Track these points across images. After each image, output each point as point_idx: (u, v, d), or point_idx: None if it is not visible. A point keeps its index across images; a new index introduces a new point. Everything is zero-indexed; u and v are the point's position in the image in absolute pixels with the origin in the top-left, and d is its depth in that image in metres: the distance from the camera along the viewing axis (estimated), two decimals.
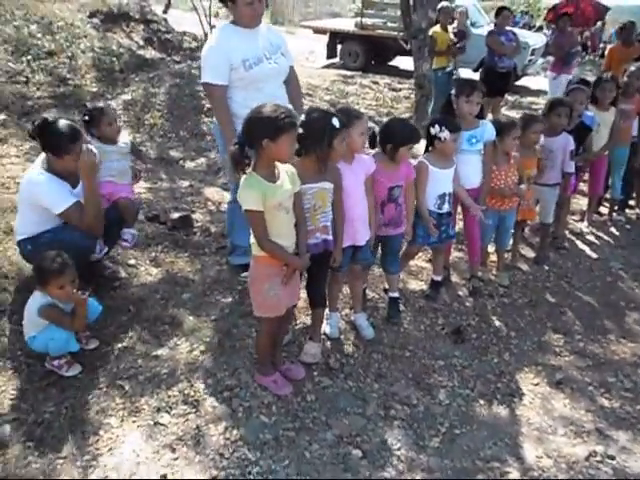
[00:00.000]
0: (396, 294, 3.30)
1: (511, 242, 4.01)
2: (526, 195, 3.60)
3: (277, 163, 2.30)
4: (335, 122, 2.40)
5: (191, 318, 3.16)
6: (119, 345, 2.89)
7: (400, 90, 9.76)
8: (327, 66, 12.89)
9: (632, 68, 4.75)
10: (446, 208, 3.25)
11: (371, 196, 2.87)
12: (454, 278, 3.82)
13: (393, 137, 2.88)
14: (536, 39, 12.23)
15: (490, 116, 7.49)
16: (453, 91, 3.36)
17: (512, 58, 7.13)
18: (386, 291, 3.44)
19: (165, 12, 10.78)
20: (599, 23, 20.98)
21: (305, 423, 2.53)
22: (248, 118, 2.21)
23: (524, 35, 12.72)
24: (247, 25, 3.01)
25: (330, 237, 2.62)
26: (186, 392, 2.65)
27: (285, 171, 2.33)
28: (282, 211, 2.31)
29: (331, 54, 13.22)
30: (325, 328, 3.09)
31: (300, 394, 2.68)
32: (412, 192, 3.11)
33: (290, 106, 2.70)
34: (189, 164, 5.33)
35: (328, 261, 2.68)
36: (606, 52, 7.43)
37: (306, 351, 2.89)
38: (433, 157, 3.20)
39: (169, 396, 2.62)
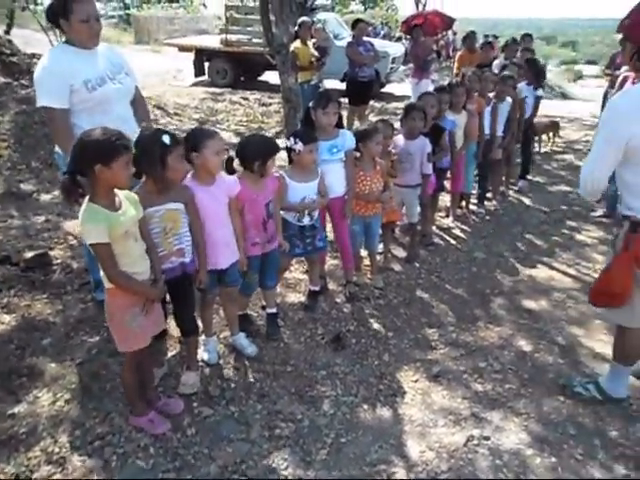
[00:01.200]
0: (274, 309, 3.26)
1: (382, 245, 4.14)
2: (389, 200, 3.73)
3: (117, 190, 2.15)
4: (165, 139, 2.30)
5: (53, 365, 2.89)
6: None
7: (270, 105, 9.84)
8: (196, 84, 12.68)
9: (469, 73, 5.16)
10: (307, 220, 3.26)
11: (237, 218, 2.80)
12: (331, 286, 3.86)
13: (258, 153, 2.83)
14: (396, 49, 12.95)
15: (357, 124, 7.78)
16: (311, 104, 3.40)
17: (372, 67, 7.42)
18: (264, 308, 3.38)
19: (7, 33, 9.94)
20: (450, 32, 22.75)
21: (186, 460, 2.39)
22: (76, 144, 2.04)
23: (384, 45, 13.46)
24: (84, 45, 2.81)
25: (188, 259, 2.52)
26: (50, 450, 2.40)
27: (125, 197, 2.19)
28: (130, 239, 2.17)
29: (199, 72, 13.02)
30: (203, 355, 2.97)
31: (180, 429, 2.54)
32: (278, 204, 3.09)
33: (137, 128, 2.57)
34: (44, 197, 4.91)
35: (190, 285, 2.57)
36: (456, 58, 8.05)
37: (184, 382, 2.75)
38: (292, 170, 3.22)
39: (29, 458, 2.35)
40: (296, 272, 3.96)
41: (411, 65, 17.42)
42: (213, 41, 13.37)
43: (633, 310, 2.56)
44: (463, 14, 55.92)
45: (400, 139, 3.98)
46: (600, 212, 5.55)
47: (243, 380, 2.88)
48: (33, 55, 7.98)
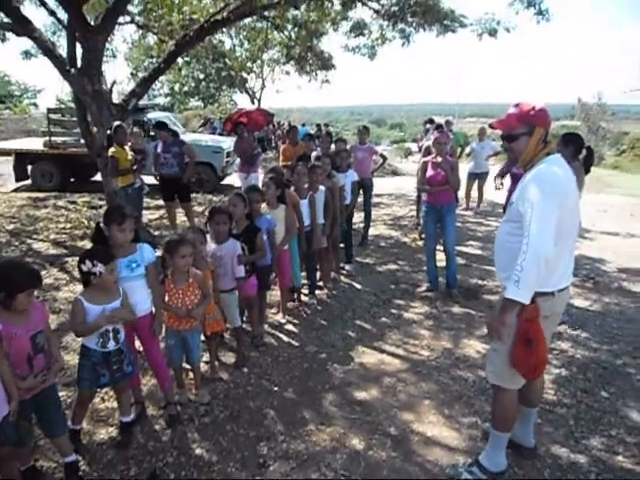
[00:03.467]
0: (72, 457, 2.81)
1: (208, 354, 3.90)
2: (208, 310, 3.54)
3: None
4: None
5: None
6: None
7: (100, 207, 9.35)
8: (18, 189, 11.74)
9: (299, 167, 5.32)
10: (112, 345, 2.95)
11: (4, 363, 2.40)
12: (151, 410, 3.49)
13: (7, 283, 2.47)
14: (229, 143, 13.26)
15: (188, 223, 7.63)
16: (101, 220, 3.17)
17: (173, 165, 7.43)
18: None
19: None
20: (270, 126, 24.24)
21: None
22: None
23: (219, 140, 13.80)
24: None
25: None
26: None
27: None
28: None
29: (21, 176, 12.12)
30: None
31: None
32: (54, 337, 2.73)
33: None
34: None
35: None
36: (280, 151, 8.39)
37: None
38: (90, 293, 2.91)
39: None
40: (109, 401, 3.53)
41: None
42: (36, 144, 12.63)
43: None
44: (301, 104, 60.54)
45: (210, 244, 3.87)
46: (424, 287, 5.89)
47: None
48: None
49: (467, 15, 9.61)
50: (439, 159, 5.47)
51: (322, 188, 5.44)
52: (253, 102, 28.09)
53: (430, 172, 5.59)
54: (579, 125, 33.84)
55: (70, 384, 3.67)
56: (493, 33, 9.57)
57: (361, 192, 7.16)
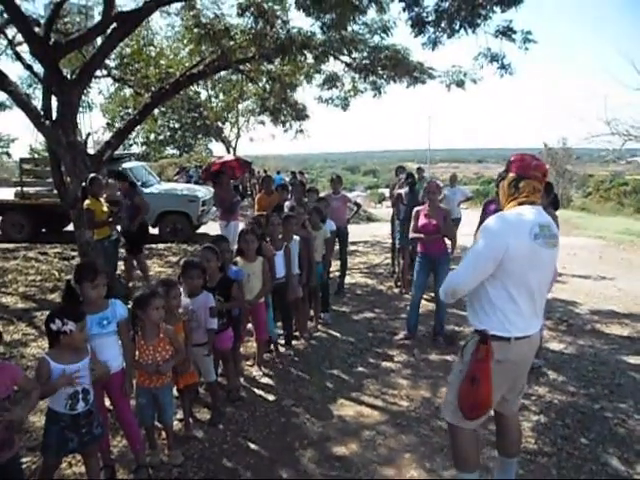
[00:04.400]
0: None
1: (181, 412, 3.78)
2: (179, 363, 3.46)
3: None
4: None
5: None
6: None
7: (73, 257, 9.21)
8: None
9: (273, 217, 5.34)
10: (81, 406, 2.83)
11: None
12: (121, 474, 3.34)
13: None
14: (205, 192, 13.34)
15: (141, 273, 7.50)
16: (71, 277, 3.11)
17: (126, 219, 7.32)
18: None
19: None
20: (247, 174, 24.57)
21: None
22: None
23: (195, 189, 13.86)
24: None
25: None
26: None
27: None
28: None
29: None
30: None
31: None
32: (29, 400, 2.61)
33: None
34: None
35: None
36: (256, 201, 8.43)
37: None
38: (57, 352, 2.80)
39: None
40: (77, 465, 3.37)
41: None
42: (6, 194, 12.48)
43: None
44: (276, 151, 61.39)
45: (183, 298, 3.81)
46: (402, 335, 5.87)
47: None
48: None
49: (435, 67, 9.96)
50: (430, 208, 5.59)
51: (296, 238, 5.46)
52: (229, 150, 28.46)
53: (423, 221, 5.69)
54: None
55: (35, 448, 3.49)
56: (460, 84, 9.94)
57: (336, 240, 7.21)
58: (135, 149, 29.40)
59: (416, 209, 6.01)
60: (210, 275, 3.98)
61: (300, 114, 15.03)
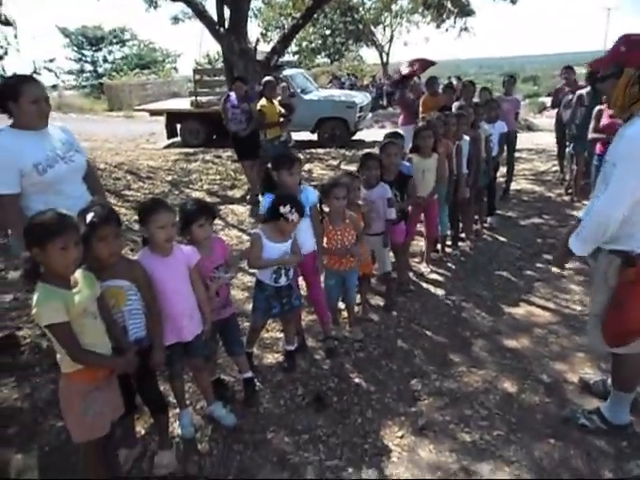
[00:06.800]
0: (249, 374, 3.15)
1: (359, 296, 4.10)
2: (361, 251, 3.70)
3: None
4: (88, 219, 2.20)
5: (19, 456, 2.74)
6: None
7: None
8: (169, 146, 12.83)
9: (434, 116, 5.25)
10: (283, 281, 3.21)
11: (201, 288, 2.72)
12: (310, 342, 3.78)
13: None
14: (362, 98, 13.30)
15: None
16: (270, 165, 3.40)
17: (243, 122, 7.14)
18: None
19: None
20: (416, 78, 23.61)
21: None
22: (24, 229, 2.01)
23: (351, 95, 13.86)
24: (33, 126, 2.77)
25: (132, 338, 2.42)
26: None
27: (81, 275, 2.14)
28: (89, 317, 2.11)
29: (171, 134, 13.23)
30: (178, 429, 2.85)
31: None
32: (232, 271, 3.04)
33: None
34: (12, 274, 4.82)
35: (145, 361, 2.44)
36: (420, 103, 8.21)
37: (157, 463, 2.62)
38: (269, 230, 3.15)
39: None
40: (273, 331, 3.88)
41: (379, 112, 17.85)
42: (183, 104, 13.64)
43: None
44: (430, 57, 57.96)
45: (362, 189, 4.00)
46: None
47: (221, 454, 2.75)
48: None
49: None
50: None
51: (466, 138, 5.33)
52: (381, 56, 27.67)
53: (606, 120, 5.31)
54: None
55: (237, 315, 4.07)
56: None
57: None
58: (287, 58, 29.84)
59: (598, 108, 5.52)
60: (388, 168, 4.09)
61: (465, 9, 13.94)
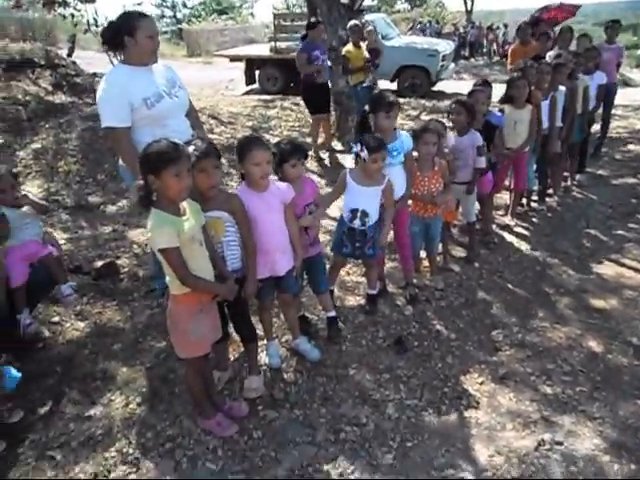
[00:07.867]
0: (333, 313, 3.26)
1: (441, 245, 4.08)
2: (446, 200, 3.66)
3: None
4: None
5: (124, 369, 3.01)
6: (46, 411, 2.70)
7: None
8: (247, 92, 12.91)
9: (528, 64, 4.96)
10: (357, 224, 3.19)
11: (294, 225, 2.81)
12: (391, 288, 3.83)
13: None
14: (445, 46, 12.73)
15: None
16: (367, 107, 3.37)
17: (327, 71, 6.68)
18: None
19: (70, 55, 10.40)
20: (501, 26, 22.33)
21: (254, 462, 2.43)
22: (139, 157, 2.14)
23: (434, 43, 13.30)
24: (146, 61, 2.93)
25: (229, 268, 2.53)
26: (124, 451, 2.50)
27: (188, 205, 2.26)
28: (196, 244, 2.23)
29: (250, 80, 13.25)
30: (265, 359, 3.02)
31: (246, 432, 2.59)
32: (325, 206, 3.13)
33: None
34: (110, 208, 5.13)
35: (239, 292, 2.54)
36: (509, 52, 7.77)
37: (247, 386, 2.80)
38: (356, 172, 3.18)
39: (106, 459, 2.46)
40: (354, 275, 3.95)
41: (460, 62, 16.94)
42: (262, 50, 13.59)
43: None
44: (514, 5, 54.22)
45: (450, 137, 3.90)
46: None
47: (306, 384, 2.90)
48: (95, 74, 8.38)
49: None
50: None
51: (562, 89, 5.04)
52: (465, 3, 26.20)
53: None
54: None
55: None
56: None
57: None
58: (368, 2, 28.84)
59: None
60: (475, 117, 3.95)
61: None
